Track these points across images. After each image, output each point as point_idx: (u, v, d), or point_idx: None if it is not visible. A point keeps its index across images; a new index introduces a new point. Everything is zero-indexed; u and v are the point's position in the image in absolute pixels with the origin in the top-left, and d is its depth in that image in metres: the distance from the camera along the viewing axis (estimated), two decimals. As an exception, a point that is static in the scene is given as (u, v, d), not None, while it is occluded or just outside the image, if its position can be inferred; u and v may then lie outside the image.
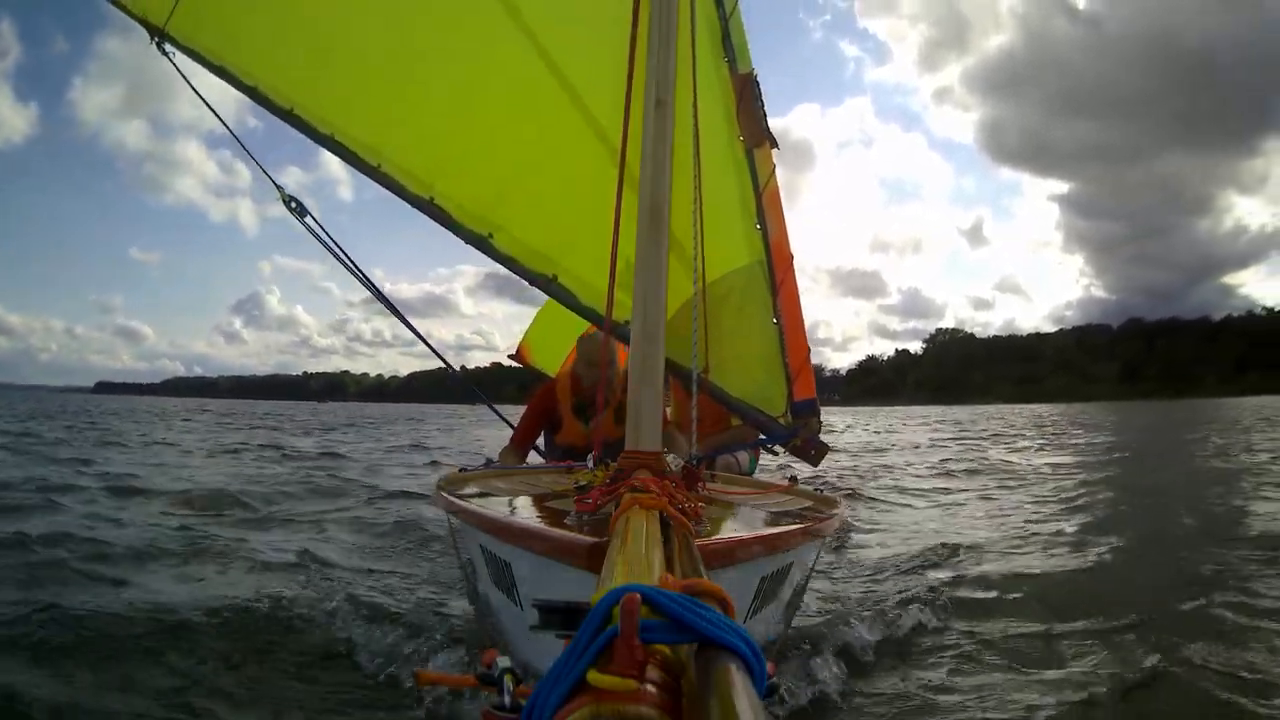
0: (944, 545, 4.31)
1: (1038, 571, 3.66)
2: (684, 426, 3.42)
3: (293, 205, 3.45)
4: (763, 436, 3.36)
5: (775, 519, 2.43)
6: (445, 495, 2.47)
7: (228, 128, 3.52)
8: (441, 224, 3.14)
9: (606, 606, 0.57)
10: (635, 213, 2.12)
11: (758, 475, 4.34)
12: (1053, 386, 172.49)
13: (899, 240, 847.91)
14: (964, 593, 3.27)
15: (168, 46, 3.26)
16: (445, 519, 3.06)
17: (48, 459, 8.65)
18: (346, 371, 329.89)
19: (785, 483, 3.50)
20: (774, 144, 2.94)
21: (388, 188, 3.16)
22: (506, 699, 0.83)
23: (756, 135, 2.90)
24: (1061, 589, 3.31)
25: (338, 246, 3.52)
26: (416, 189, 3.14)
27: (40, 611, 2.55)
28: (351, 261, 3.55)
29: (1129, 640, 2.58)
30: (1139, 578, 3.60)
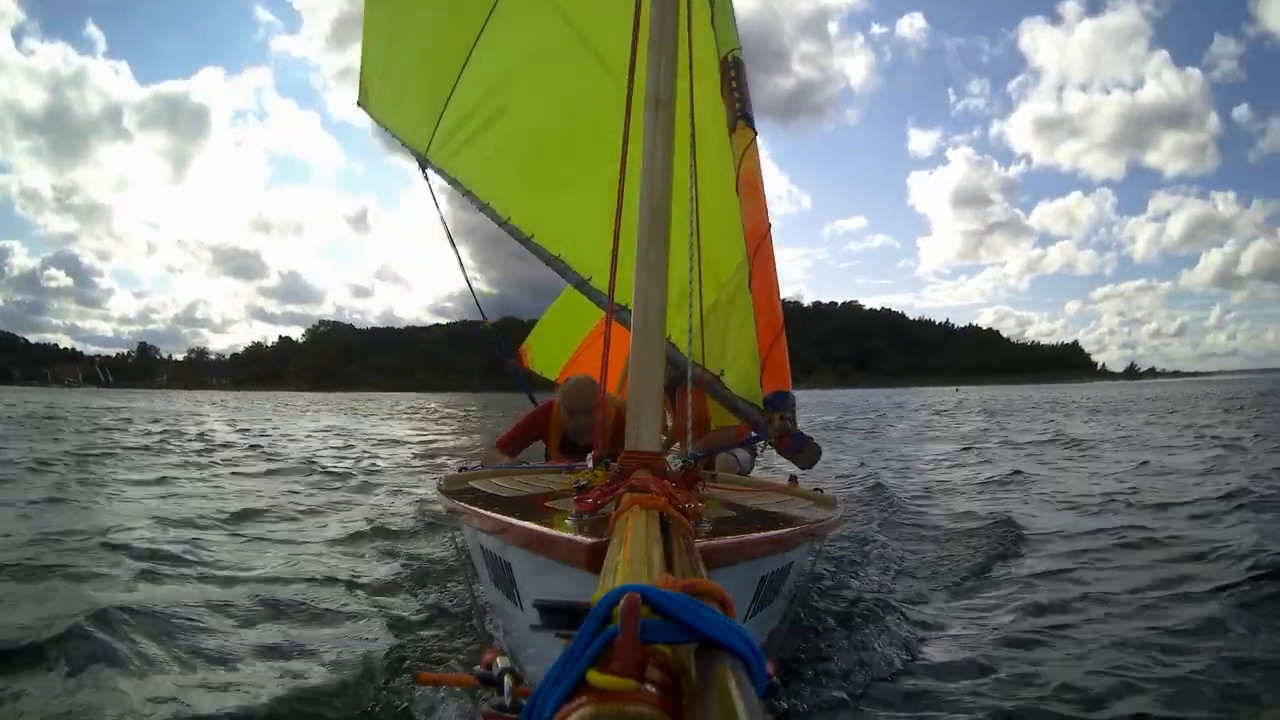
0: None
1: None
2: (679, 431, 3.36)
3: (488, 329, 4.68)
4: (752, 435, 3.28)
5: (775, 519, 2.43)
6: (446, 495, 2.47)
7: (447, 230, 4.56)
8: (549, 263, 3.82)
9: (606, 606, 0.57)
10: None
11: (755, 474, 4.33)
12: (424, 377, 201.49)
13: (282, 221, 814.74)
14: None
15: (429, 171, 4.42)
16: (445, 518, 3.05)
17: None
18: None
19: (785, 482, 3.50)
20: (750, 125, 2.81)
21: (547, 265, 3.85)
22: (506, 699, 0.83)
23: (732, 118, 2.85)
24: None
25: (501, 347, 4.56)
26: (548, 246, 3.84)
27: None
28: (503, 352, 4.68)
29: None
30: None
